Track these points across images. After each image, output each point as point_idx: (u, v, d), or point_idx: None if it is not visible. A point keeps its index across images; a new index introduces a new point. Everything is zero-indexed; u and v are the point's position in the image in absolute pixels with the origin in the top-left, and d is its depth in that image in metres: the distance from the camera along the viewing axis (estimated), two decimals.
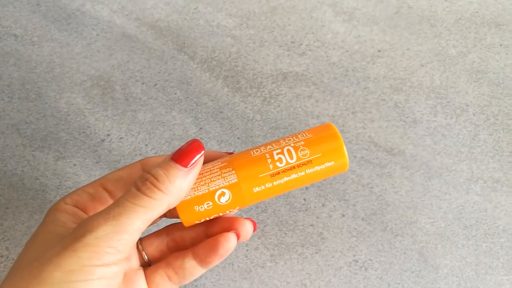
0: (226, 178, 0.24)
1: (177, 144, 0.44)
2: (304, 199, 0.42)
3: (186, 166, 0.23)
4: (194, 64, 0.48)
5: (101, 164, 0.43)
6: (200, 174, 0.24)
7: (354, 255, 0.40)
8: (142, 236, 0.28)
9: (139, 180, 0.23)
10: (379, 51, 0.48)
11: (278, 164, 0.24)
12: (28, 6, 0.51)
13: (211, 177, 0.24)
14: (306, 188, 0.42)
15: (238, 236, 0.26)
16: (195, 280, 0.38)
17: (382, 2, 0.51)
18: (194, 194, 0.24)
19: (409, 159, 0.43)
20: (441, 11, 0.50)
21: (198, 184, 0.24)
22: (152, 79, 0.47)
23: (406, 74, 0.47)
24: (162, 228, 0.29)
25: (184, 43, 0.49)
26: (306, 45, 0.49)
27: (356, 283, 0.39)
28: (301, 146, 0.24)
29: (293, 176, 0.24)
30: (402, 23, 0.49)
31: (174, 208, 0.25)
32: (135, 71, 0.48)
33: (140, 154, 0.43)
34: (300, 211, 0.42)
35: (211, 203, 0.24)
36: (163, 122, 0.45)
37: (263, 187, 0.24)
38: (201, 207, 0.24)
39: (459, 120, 0.45)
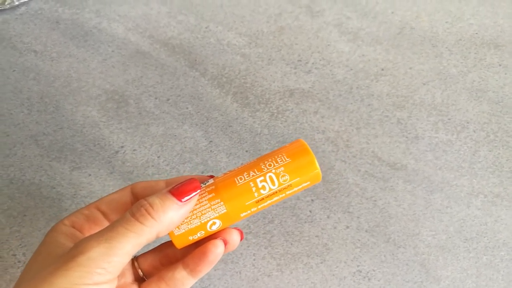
0: (216, 210, 0.26)
1: (188, 157, 0.46)
2: (310, 211, 0.44)
3: (181, 201, 0.25)
4: (205, 80, 0.50)
5: (114, 175, 0.45)
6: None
7: (358, 266, 0.42)
8: (137, 254, 0.30)
9: (135, 206, 0.24)
10: (382, 69, 0.50)
11: (262, 191, 0.26)
12: (48, 24, 0.54)
13: (202, 210, 0.26)
14: (312, 200, 0.44)
15: (225, 243, 0.27)
16: None
17: (386, 23, 0.53)
18: (188, 227, 0.26)
19: (411, 174, 0.45)
20: (442, 32, 0.52)
21: (190, 218, 0.26)
22: (165, 94, 0.49)
23: (409, 92, 0.49)
24: (156, 247, 0.31)
25: (196, 60, 0.52)
26: (312, 63, 0.51)
27: None
28: (281, 172, 0.26)
29: (275, 198, 0.27)
30: (405, 43, 0.52)
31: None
32: (149, 86, 0.50)
33: (153, 166, 0.45)
34: (306, 222, 0.43)
35: (203, 232, 0.27)
36: (175, 135, 0.47)
37: (249, 212, 0.27)
38: (195, 236, 0.27)
39: (460, 136, 0.47)
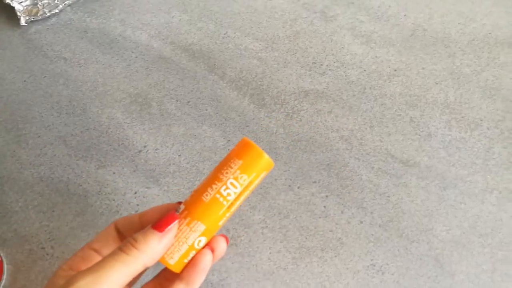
0: (196, 230, 0.29)
1: (207, 155, 0.48)
2: (324, 207, 0.45)
3: (161, 231, 0.27)
4: (223, 83, 0.52)
5: (137, 173, 0.47)
6: (175, 237, 0.29)
7: (371, 260, 0.42)
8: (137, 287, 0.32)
9: (123, 242, 0.27)
10: (395, 70, 0.51)
11: (228, 198, 0.29)
12: (77, 33, 0.57)
13: (185, 235, 0.29)
14: (326, 196, 0.45)
15: (212, 250, 0.30)
16: (221, 280, 0.41)
17: (398, 26, 0.54)
18: (180, 254, 0.29)
19: (424, 170, 0.46)
20: (455, 33, 0.53)
21: (179, 246, 0.29)
22: (185, 96, 0.52)
23: (421, 91, 0.50)
24: (155, 275, 0.33)
25: (215, 64, 0.54)
26: (327, 65, 0.53)
27: (373, 286, 0.41)
28: (239, 175, 0.29)
29: (242, 198, 0.29)
30: (417, 45, 0.53)
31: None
32: (170, 90, 0.52)
33: (174, 164, 0.47)
34: (320, 217, 0.44)
35: (194, 251, 0.29)
36: (195, 135, 0.49)
37: (224, 218, 0.30)
38: (188, 257, 0.29)
39: (473, 134, 0.47)
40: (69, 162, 0.48)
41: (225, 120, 0.50)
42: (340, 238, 0.43)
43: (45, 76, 0.54)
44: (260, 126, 0.49)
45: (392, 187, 0.45)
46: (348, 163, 0.47)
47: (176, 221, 0.28)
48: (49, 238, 0.44)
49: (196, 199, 0.29)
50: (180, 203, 0.31)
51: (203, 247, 0.30)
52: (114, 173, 0.47)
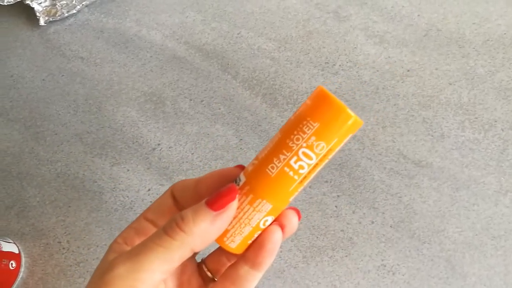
0: (261, 209, 0.23)
1: (220, 154, 0.48)
2: (336, 206, 0.45)
3: (215, 210, 0.22)
4: (236, 83, 0.53)
5: (151, 170, 0.48)
6: (235, 218, 0.24)
7: (382, 260, 0.42)
8: (204, 256, 0.29)
9: (168, 221, 0.23)
10: (408, 70, 0.51)
11: (301, 171, 0.23)
12: (94, 33, 0.58)
13: (248, 216, 0.24)
14: (338, 196, 0.45)
15: (282, 227, 0.25)
16: None
17: (412, 26, 0.54)
18: (242, 237, 0.24)
19: (436, 171, 0.46)
20: (469, 33, 0.53)
21: (240, 228, 0.24)
22: (199, 96, 0.52)
23: (434, 91, 0.49)
24: (216, 249, 0.30)
25: (228, 64, 0.54)
26: (339, 65, 0.53)
27: (384, 287, 0.41)
28: (314, 143, 0.22)
29: (319, 169, 0.23)
30: (431, 45, 0.52)
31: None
32: (184, 89, 0.53)
33: (187, 162, 0.48)
34: (331, 217, 0.45)
35: (259, 231, 0.24)
36: (208, 134, 0.50)
37: (296, 193, 0.24)
38: (253, 238, 0.24)
39: (487, 135, 0.47)
40: (85, 159, 0.49)
41: (238, 119, 0.50)
42: (351, 238, 0.44)
43: (62, 75, 0.55)
44: (273, 125, 0.50)
45: (404, 187, 0.45)
46: (360, 163, 0.47)
47: (236, 198, 0.23)
48: (65, 232, 0.46)
49: (260, 172, 0.23)
50: (241, 168, 0.25)
51: (270, 225, 0.24)
52: (128, 170, 0.48)
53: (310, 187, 0.46)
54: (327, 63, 0.53)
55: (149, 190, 0.47)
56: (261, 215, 0.23)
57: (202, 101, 0.52)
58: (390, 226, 0.44)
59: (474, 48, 0.52)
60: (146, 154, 0.49)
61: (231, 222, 0.24)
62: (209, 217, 0.22)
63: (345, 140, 0.23)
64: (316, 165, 0.23)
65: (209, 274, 0.28)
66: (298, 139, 0.22)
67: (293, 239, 0.44)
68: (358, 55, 0.53)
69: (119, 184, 0.48)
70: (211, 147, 0.49)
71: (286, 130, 0.23)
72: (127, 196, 0.47)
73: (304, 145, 0.22)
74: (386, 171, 0.46)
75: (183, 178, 0.47)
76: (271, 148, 0.23)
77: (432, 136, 0.47)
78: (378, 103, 0.50)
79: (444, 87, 0.50)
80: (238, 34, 0.57)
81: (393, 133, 0.48)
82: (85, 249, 0.44)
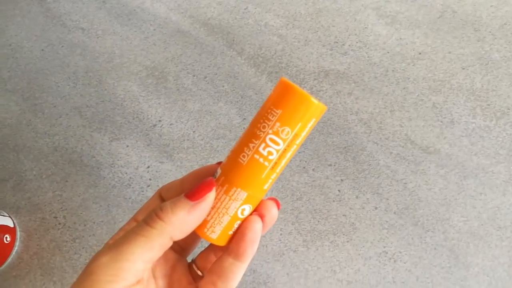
0: (237, 198, 0.25)
1: (222, 133, 0.47)
2: (339, 190, 0.44)
3: (193, 200, 0.24)
4: (241, 60, 0.51)
5: (151, 147, 0.47)
6: (214, 208, 0.25)
7: (384, 247, 0.41)
8: (194, 256, 0.30)
9: (149, 212, 0.24)
10: (420, 53, 0.49)
11: (270, 157, 0.24)
12: (95, 3, 0.56)
13: (225, 205, 0.25)
14: (342, 180, 0.44)
15: (261, 216, 0.26)
16: None
17: (426, 6, 0.52)
18: (222, 226, 0.25)
19: (444, 158, 0.44)
20: (486, 16, 0.50)
21: (219, 217, 0.25)
22: (202, 72, 0.51)
23: (446, 76, 0.48)
24: (206, 247, 0.30)
25: (234, 40, 0.53)
26: (349, 45, 0.51)
27: (384, 274, 0.41)
28: (279, 128, 0.23)
29: (288, 154, 0.24)
30: (445, 27, 0.50)
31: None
32: (187, 64, 0.51)
33: (188, 140, 0.47)
34: (334, 201, 0.43)
35: (239, 221, 0.25)
36: (210, 112, 0.48)
37: (270, 181, 0.25)
38: (233, 229, 0.25)
39: (499, 122, 0.45)
40: (83, 133, 0.48)
41: (242, 97, 0.49)
42: (353, 223, 0.43)
43: (62, 46, 0.54)
44: None
45: (410, 173, 0.44)
46: (366, 147, 0.45)
47: (213, 189, 0.24)
48: (61, 208, 0.45)
49: (233, 162, 0.25)
50: (219, 164, 0.27)
51: (249, 215, 0.25)
52: (127, 146, 0.47)
53: (313, 169, 0.45)
54: (336, 42, 0.51)
55: (148, 167, 0.46)
56: (237, 204, 0.24)
57: (205, 77, 0.50)
58: (394, 213, 0.43)
59: (490, 31, 0.49)
60: (146, 130, 0.48)
61: (210, 213, 0.25)
62: (186, 206, 0.23)
63: (309, 125, 0.24)
64: (285, 150, 0.24)
65: (199, 272, 0.28)
66: (264, 127, 0.24)
67: (293, 222, 0.43)
68: (368, 36, 0.51)
69: (118, 160, 0.46)
70: (213, 126, 0.48)
71: (254, 121, 0.24)
72: (126, 173, 0.46)
73: (270, 131, 0.24)
74: (392, 156, 0.45)
75: (184, 156, 0.46)
76: (242, 139, 0.25)
77: (441, 122, 0.46)
78: (387, 86, 0.48)
79: (456, 72, 0.48)
80: (245, 9, 0.55)
81: (401, 118, 0.46)
82: (81, 225, 0.44)
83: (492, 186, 0.43)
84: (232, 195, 0.24)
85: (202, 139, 0.47)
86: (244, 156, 0.24)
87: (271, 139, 0.24)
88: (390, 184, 0.44)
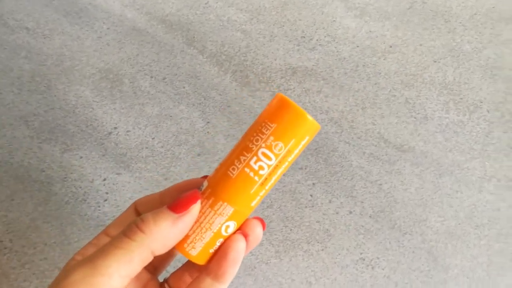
0: (223, 213, 0.23)
1: (184, 138, 0.44)
2: (311, 195, 0.41)
3: (177, 212, 0.22)
4: (203, 58, 0.48)
5: (107, 157, 0.43)
6: (197, 222, 0.24)
7: (361, 253, 0.39)
8: (167, 276, 0.27)
9: (128, 224, 0.22)
10: (390, 46, 0.47)
11: (261, 172, 0.23)
12: (41, 0, 0.52)
13: (209, 220, 0.23)
14: (313, 184, 0.42)
15: (245, 236, 0.24)
16: None
17: None
18: (203, 243, 0.24)
19: (419, 156, 0.42)
20: (456, 6, 0.49)
21: (201, 233, 0.24)
22: (161, 72, 0.47)
23: (418, 70, 0.46)
24: (184, 262, 0.28)
25: (194, 37, 0.49)
26: (317, 40, 0.48)
27: (362, 282, 0.38)
28: (272, 143, 0.23)
29: (280, 171, 0.24)
30: (415, 19, 0.48)
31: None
32: (144, 65, 0.48)
33: (147, 147, 0.43)
34: (306, 207, 0.41)
35: (221, 239, 0.24)
36: (171, 116, 0.45)
37: (258, 197, 0.24)
38: (215, 247, 0.24)
39: (472, 117, 0.44)
40: (31, 145, 0.44)
41: (204, 99, 0.46)
42: (327, 229, 0.40)
43: (5, 48, 0.49)
44: (243, 107, 0.45)
45: (385, 174, 0.42)
46: (338, 147, 0.43)
47: (198, 202, 0.23)
48: (7, 230, 0.40)
49: (221, 175, 0.24)
50: (205, 177, 0.25)
51: (233, 234, 0.24)
52: (81, 157, 0.43)
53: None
54: (304, 37, 0.48)
55: (104, 179, 0.42)
56: (222, 219, 0.23)
57: (164, 78, 0.47)
58: (370, 216, 0.41)
59: (460, 22, 0.48)
60: (101, 139, 0.44)
61: (192, 227, 0.23)
62: (170, 218, 0.22)
63: (303, 142, 0.23)
64: (276, 166, 0.23)
65: None
66: (257, 140, 0.23)
67: (264, 233, 0.40)
68: (337, 29, 0.48)
69: (71, 173, 0.42)
70: (174, 131, 0.44)
71: (246, 134, 0.24)
72: (80, 187, 0.42)
73: (263, 145, 0.23)
74: (366, 156, 0.43)
75: (143, 166, 0.43)
76: (232, 152, 0.24)
77: (415, 118, 0.44)
78: (357, 82, 0.46)
79: (428, 65, 0.46)
80: (205, 3, 0.51)
81: (373, 115, 0.44)
82: (31, 248, 0.39)
83: (468, 183, 0.42)
84: (218, 209, 0.23)
85: (162, 146, 0.43)
86: (233, 169, 0.23)
87: (263, 153, 0.23)
88: (364, 186, 0.41)
